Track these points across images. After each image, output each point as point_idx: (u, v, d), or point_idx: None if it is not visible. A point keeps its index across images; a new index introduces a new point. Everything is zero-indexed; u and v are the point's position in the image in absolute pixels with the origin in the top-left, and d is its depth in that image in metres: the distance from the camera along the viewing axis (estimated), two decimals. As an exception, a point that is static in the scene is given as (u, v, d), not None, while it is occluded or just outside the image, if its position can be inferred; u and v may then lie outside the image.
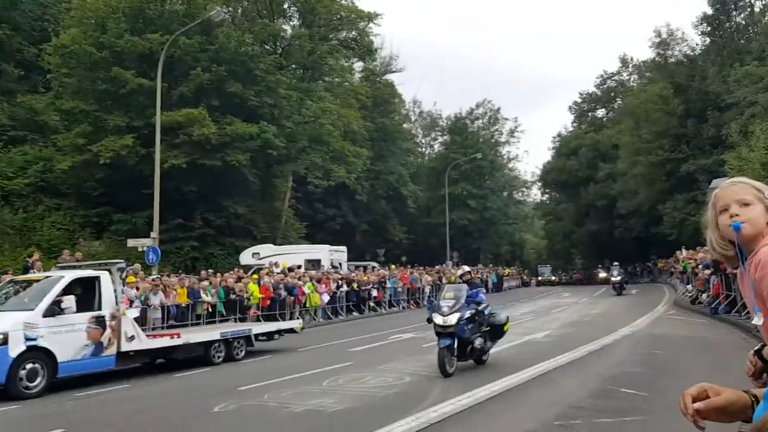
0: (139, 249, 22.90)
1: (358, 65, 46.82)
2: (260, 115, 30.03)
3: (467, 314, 10.70)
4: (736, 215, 1.91)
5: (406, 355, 13.30)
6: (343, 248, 31.95)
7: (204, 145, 27.55)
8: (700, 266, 21.74)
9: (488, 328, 11.47)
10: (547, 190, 70.22)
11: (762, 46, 35.10)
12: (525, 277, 57.53)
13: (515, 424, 7.27)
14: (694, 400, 1.69)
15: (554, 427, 6.95)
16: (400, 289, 29.01)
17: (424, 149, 68.19)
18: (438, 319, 10.63)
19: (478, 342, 11.01)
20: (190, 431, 7.39)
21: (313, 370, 11.58)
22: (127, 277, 18.08)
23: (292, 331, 16.47)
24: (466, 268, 12.98)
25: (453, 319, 10.43)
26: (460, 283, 12.10)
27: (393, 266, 33.24)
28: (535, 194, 75.80)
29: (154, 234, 22.19)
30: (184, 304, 18.06)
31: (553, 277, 59.57)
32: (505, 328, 11.99)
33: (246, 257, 28.56)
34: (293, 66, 36.45)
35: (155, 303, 17.08)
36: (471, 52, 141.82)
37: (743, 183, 2.01)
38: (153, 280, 18.21)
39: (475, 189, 57.60)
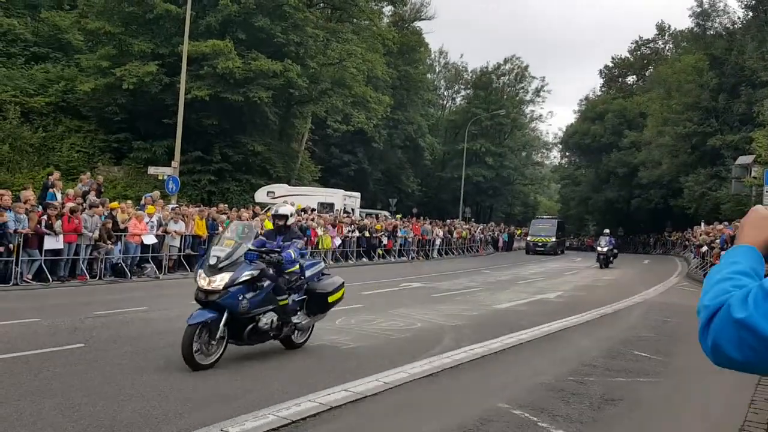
0: (159, 177, 23.01)
1: (388, 9, 45.77)
2: (285, 52, 29.55)
3: (245, 274, 7.09)
4: None
5: (416, 303, 13.40)
6: (357, 194, 31.95)
7: (227, 78, 27.26)
8: (718, 241, 21.57)
9: (304, 296, 8.17)
10: (567, 154, 69.40)
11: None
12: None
13: (529, 375, 7.33)
14: None
15: (568, 381, 7.00)
16: (410, 240, 29.08)
17: (445, 102, 67.19)
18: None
19: (265, 320, 7.30)
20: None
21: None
22: (145, 203, 18.26)
23: None
24: (288, 210, 8.61)
25: (220, 280, 6.95)
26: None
27: (399, 216, 33.21)
28: (555, 157, 74.99)
29: (174, 163, 22.23)
30: (202, 236, 18.19)
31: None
32: (332, 298, 8.39)
33: (261, 195, 28.65)
34: (322, 4, 35.66)
35: (173, 231, 17.22)
36: (503, 7, 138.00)
37: None
38: (173, 209, 18.30)
39: (494, 146, 57.01)
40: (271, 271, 7.47)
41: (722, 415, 6.01)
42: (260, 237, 8.31)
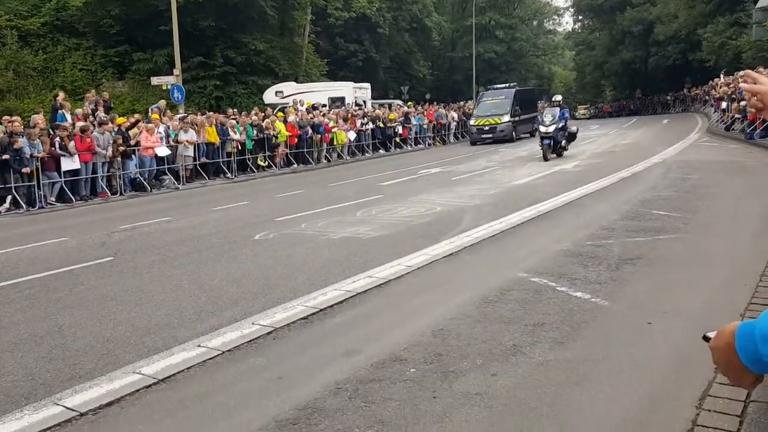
0: (164, 87, 22.67)
1: None
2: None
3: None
4: None
5: (435, 188, 13.43)
6: (367, 85, 31.23)
7: (217, -26, 26.04)
8: (738, 92, 20.88)
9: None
10: (579, 18, 66.21)
11: None
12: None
13: (548, 244, 7.40)
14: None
15: (586, 246, 7.07)
16: (425, 126, 28.69)
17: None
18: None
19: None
20: (234, 256, 7.69)
21: (345, 203, 11.83)
22: (151, 114, 18.13)
23: None
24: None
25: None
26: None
27: (412, 103, 32.55)
28: (567, 23, 71.73)
29: (176, 71, 21.78)
30: (215, 143, 18.15)
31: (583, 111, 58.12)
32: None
33: (269, 96, 28.18)
34: None
35: (185, 141, 17.18)
36: None
37: None
38: (181, 119, 18.15)
39: (503, 18, 54.54)
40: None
41: (743, 264, 6.05)
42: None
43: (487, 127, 27.61)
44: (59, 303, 5.92)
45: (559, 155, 18.26)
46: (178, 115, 19.10)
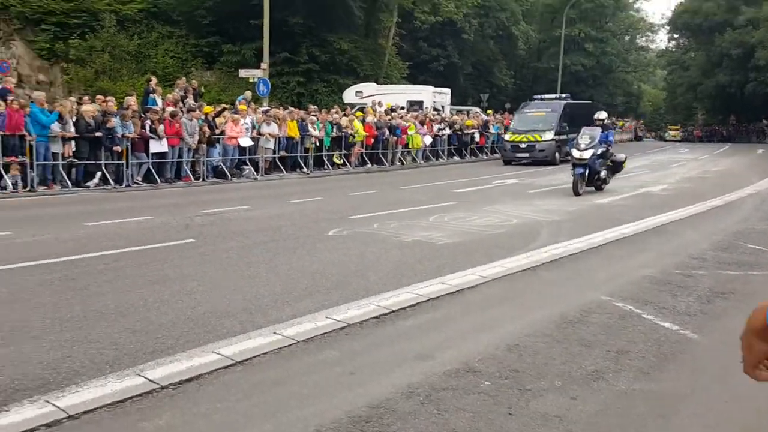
0: (250, 80, 23.28)
1: None
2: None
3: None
4: None
5: (511, 200, 13.18)
6: (447, 91, 31.06)
7: (311, -28, 26.56)
8: None
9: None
10: (675, 36, 63.58)
11: None
12: (639, 130, 54.29)
13: (632, 269, 7.09)
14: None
15: (674, 274, 6.72)
16: (504, 136, 28.23)
17: (541, -17, 62.52)
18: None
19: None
20: (309, 249, 7.78)
21: (418, 207, 11.78)
22: (239, 105, 18.65)
23: None
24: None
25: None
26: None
27: (491, 111, 32.13)
28: (661, 40, 69.11)
29: (264, 65, 22.34)
30: (294, 138, 18.50)
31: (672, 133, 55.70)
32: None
33: (349, 95, 28.48)
34: None
35: (267, 133, 17.59)
36: None
37: None
38: (265, 112, 18.60)
39: (594, 31, 53.03)
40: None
41: None
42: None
43: (524, 144, 22.91)
44: (144, 278, 6.14)
45: (598, 189, 14.30)
46: (262, 108, 19.59)
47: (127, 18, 28.64)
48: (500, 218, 10.61)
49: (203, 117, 16.50)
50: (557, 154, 22.95)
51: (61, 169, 13.36)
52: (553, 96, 27.64)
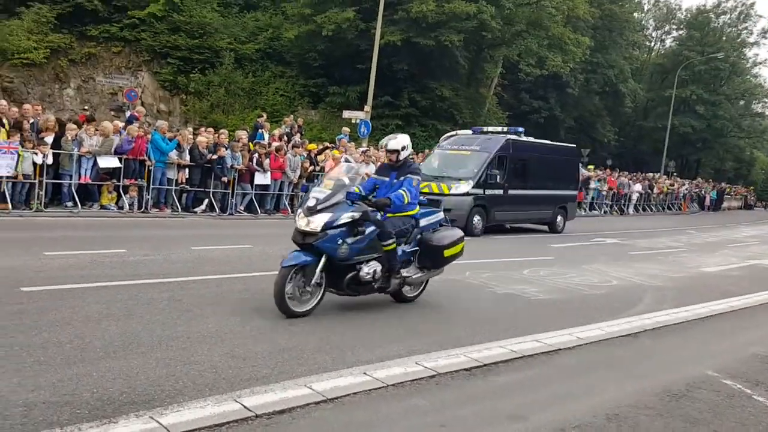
0: (352, 121, 24.02)
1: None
2: (480, -7, 28.78)
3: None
4: None
5: (611, 260, 12.66)
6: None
7: (420, 22, 27.31)
8: None
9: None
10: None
11: None
12: (750, 199, 51.01)
13: (742, 345, 6.58)
14: None
15: (796, 359, 6.17)
16: (604, 193, 27.40)
17: (653, 43, 60.91)
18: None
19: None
20: (399, 292, 7.77)
21: (512, 258, 11.56)
22: (339, 143, 19.21)
23: None
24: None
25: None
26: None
27: (592, 166, 31.30)
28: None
29: (367, 107, 23.01)
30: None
31: None
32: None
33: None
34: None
35: (364, 173, 17.94)
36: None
37: None
38: (363, 152, 19.04)
39: (707, 94, 50.89)
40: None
41: None
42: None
43: (426, 198, 11.11)
44: (244, 305, 6.34)
45: (397, 299, 7.32)
46: (361, 149, 20.08)
47: (244, 57, 30.53)
48: (599, 278, 10.21)
49: (306, 153, 17.12)
50: (476, 219, 14.93)
51: (173, 193, 14.21)
52: (497, 129, 18.05)
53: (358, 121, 23.52)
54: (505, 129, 17.74)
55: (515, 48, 31.79)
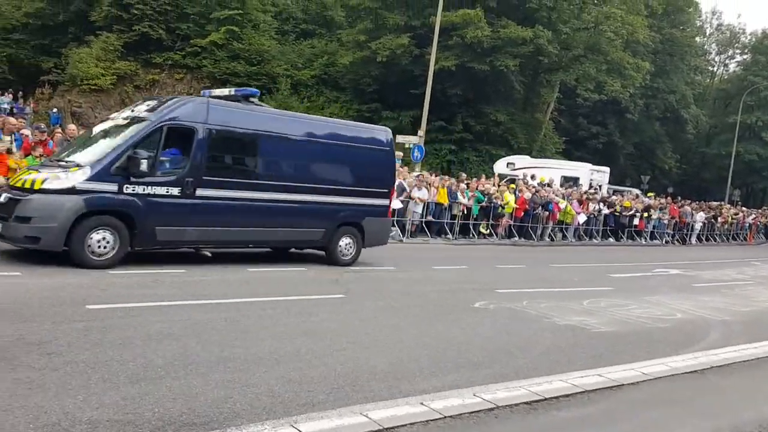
0: (406, 146, 24.09)
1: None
2: (536, 18, 28.68)
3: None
4: None
5: (674, 291, 12.18)
6: (606, 169, 29.98)
7: (475, 47, 27.38)
8: None
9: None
10: None
11: None
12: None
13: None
14: None
15: None
16: (666, 222, 26.50)
17: (716, 68, 59.31)
18: None
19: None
20: (455, 319, 7.66)
21: (571, 288, 11.26)
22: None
23: None
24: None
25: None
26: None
27: (652, 194, 30.39)
28: None
29: (421, 133, 23.05)
30: (443, 204, 18.68)
31: None
32: None
33: (500, 166, 28.40)
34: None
35: (417, 197, 17.92)
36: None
37: None
38: (417, 176, 19.04)
39: (773, 120, 49.02)
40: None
41: None
42: None
43: (4, 196, 8.45)
44: (298, 328, 6.35)
45: None
46: (414, 173, 20.08)
47: (300, 82, 31.29)
48: (662, 311, 9.80)
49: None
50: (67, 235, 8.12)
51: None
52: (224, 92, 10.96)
53: (411, 145, 23.57)
54: (231, 92, 10.65)
55: (572, 73, 31.44)
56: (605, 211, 23.61)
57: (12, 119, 12.45)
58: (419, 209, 18.21)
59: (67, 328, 5.43)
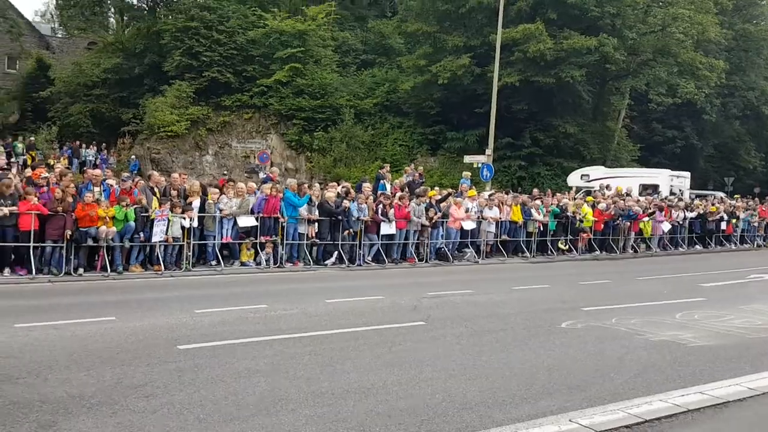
0: (474, 165, 23.92)
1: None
2: (600, 26, 27.98)
3: None
4: None
5: (774, 298, 11.38)
6: (686, 174, 28.64)
7: (538, 61, 26.96)
8: None
9: None
10: None
11: None
12: None
13: None
14: None
15: None
16: (756, 224, 24.98)
17: (795, 59, 55.89)
18: None
19: None
20: (542, 342, 7.41)
21: (661, 301, 10.74)
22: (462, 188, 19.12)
23: None
24: None
25: None
26: None
27: (737, 196, 28.74)
28: None
29: (488, 151, 22.86)
30: (517, 222, 18.33)
31: None
32: None
33: (574, 178, 27.67)
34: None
35: (489, 217, 17.67)
36: None
37: None
38: (489, 195, 18.80)
39: None
40: None
41: None
42: None
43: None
44: (381, 359, 6.31)
45: None
46: (486, 192, 19.84)
47: (363, 111, 31.72)
48: (762, 320, 9.19)
49: (428, 201, 17.16)
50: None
51: (305, 247, 14.73)
52: None
53: (480, 164, 23.37)
54: None
55: (642, 78, 30.38)
56: (690, 215, 22.50)
57: (97, 171, 13.23)
58: (493, 228, 17.94)
59: (161, 369, 5.61)
